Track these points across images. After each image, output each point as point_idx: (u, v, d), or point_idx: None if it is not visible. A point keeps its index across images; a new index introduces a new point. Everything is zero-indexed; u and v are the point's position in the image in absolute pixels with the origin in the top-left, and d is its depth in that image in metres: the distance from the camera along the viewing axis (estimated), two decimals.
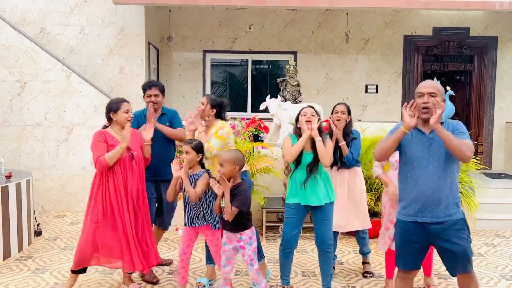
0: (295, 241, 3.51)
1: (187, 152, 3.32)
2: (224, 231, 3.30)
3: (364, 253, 4.20)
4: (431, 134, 2.64)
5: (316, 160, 3.39)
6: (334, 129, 3.81)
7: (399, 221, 2.80)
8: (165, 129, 3.95)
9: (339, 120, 3.87)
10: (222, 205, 3.22)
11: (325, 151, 3.37)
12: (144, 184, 3.64)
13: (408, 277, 2.85)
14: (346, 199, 3.91)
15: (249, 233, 3.24)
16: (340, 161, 3.88)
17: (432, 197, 2.62)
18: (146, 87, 3.99)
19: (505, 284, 4.04)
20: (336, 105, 4.01)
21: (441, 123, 2.64)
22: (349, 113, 3.95)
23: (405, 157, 2.75)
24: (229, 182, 3.15)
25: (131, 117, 3.52)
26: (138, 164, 3.55)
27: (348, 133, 3.91)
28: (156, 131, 3.84)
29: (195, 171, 3.37)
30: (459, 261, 2.67)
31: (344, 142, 3.84)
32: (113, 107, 3.49)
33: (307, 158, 3.41)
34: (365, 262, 4.18)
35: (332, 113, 3.99)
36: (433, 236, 2.66)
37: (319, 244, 3.49)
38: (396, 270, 3.77)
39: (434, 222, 2.63)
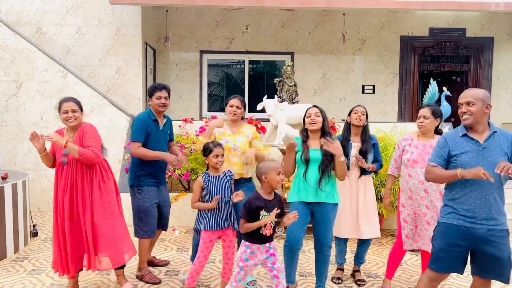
0: (300, 241, 3.39)
1: (223, 155, 3.38)
2: (249, 245, 3.06)
3: (360, 262, 4.09)
4: (485, 143, 2.66)
5: (327, 160, 3.33)
6: (360, 163, 3.76)
7: (444, 224, 2.78)
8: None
9: (360, 120, 3.83)
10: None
11: (345, 170, 3.36)
12: (87, 190, 3.43)
13: (438, 279, 2.84)
14: (363, 206, 3.84)
15: (273, 241, 3.18)
16: (361, 170, 3.85)
17: (483, 204, 2.64)
18: (156, 89, 3.84)
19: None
20: (354, 107, 3.94)
21: (494, 132, 2.69)
22: (367, 117, 3.90)
23: (456, 165, 2.71)
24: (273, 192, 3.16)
25: (69, 117, 3.42)
26: (71, 168, 3.40)
27: (366, 139, 3.86)
28: (163, 138, 3.93)
29: (221, 171, 3.42)
30: (504, 267, 2.68)
31: (371, 165, 3.80)
32: (58, 107, 3.50)
33: (315, 154, 3.36)
34: (356, 271, 4.09)
35: (349, 115, 3.93)
36: (478, 241, 2.66)
37: (318, 247, 3.42)
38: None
39: (482, 228, 2.65)
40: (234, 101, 3.87)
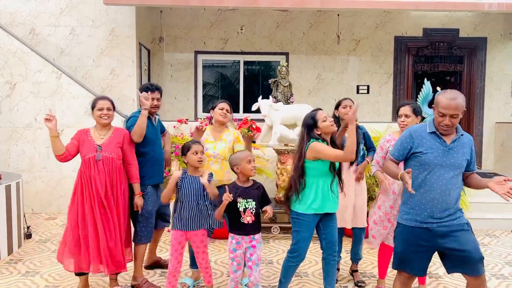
0: (306, 253, 3.29)
1: (202, 152, 3.35)
2: (234, 236, 3.21)
3: (358, 258, 4.06)
4: (452, 144, 2.67)
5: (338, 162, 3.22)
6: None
7: (402, 226, 2.76)
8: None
9: (347, 114, 3.75)
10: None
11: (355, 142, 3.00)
12: (119, 187, 3.52)
13: (409, 282, 2.83)
14: (354, 196, 3.85)
15: (259, 233, 3.26)
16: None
17: (441, 204, 2.64)
18: (148, 90, 3.78)
19: (495, 282, 4.08)
20: (342, 100, 3.93)
21: (462, 135, 2.71)
22: None
23: (419, 162, 2.70)
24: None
25: (104, 114, 3.52)
26: (107, 166, 3.45)
27: (356, 129, 3.86)
28: (158, 135, 3.91)
29: (197, 173, 3.37)
30: (472, 261, 2.60)
31: (367, 160, 3.85)
32: (91, 105, 3.60)
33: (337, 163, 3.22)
34: (355, 270, 4.07)
35: (337, 108, 3.93)
36: (440, 238, 2.64)
37: (327, 249, 3.25)
38: (389, 271, 3.82)
39: (439, 226, 2.65)
40: (224, 105, 3.85)
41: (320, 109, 3.35)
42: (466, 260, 2.62)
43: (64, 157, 3.48)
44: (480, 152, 8.70)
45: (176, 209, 3.35)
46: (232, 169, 3.26)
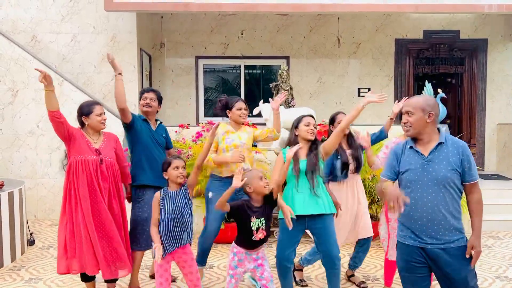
0: (291, 260, 3.25)
1: (184, 167, 3.16)
2: (236, 253, 3.05)
3: (357, 266, 4.01)
4: (430, 156, 2.48)
5: (310, 167, 3.21)
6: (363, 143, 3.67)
7: (400, 244, 2.64)
8: None
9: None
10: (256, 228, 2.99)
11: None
12: (119, 189, 3.54)
13: None
14: (358, 207, 3.78)
15: (263, 249, 3.08)
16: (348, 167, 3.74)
17: (431, 222, 2.45)
18: (144, 91, 3.83)
19: (499, 284, 4.06)
20: (336, 114, 3.91)
21: (441, 142, 2.48)
22: None
23: (403, 180, 2.57)
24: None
25: (104, 119, 3.48)
26: (109, 169, 3.43)
27: (354, 144, 3.79)
28: (159, 140, 3.75)
29: (179, 187, 3.21)
30: None
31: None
32: (84, 111, 3.46)
33: (304, 164, 3.23)
34: (352, 275, 4.03)
35: (332, 124, 3.90)
36: (432, 261, 2.48)
37: (327, 263, 3.22)
38: (396, 277, 3.81)
39: (433, 247, 2.46)
40: (242, 104, 3.89)
41: (312, 116, 3.41)
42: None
43: (57, 116, 3.26)
44: (483, 153, 8.68)
45: (162, 231, 3.08)
46: (243, 190, 3.04)
